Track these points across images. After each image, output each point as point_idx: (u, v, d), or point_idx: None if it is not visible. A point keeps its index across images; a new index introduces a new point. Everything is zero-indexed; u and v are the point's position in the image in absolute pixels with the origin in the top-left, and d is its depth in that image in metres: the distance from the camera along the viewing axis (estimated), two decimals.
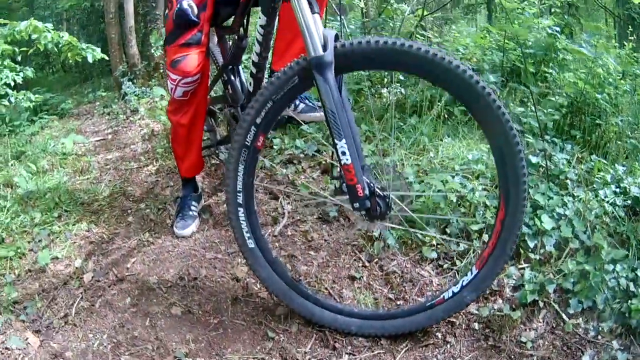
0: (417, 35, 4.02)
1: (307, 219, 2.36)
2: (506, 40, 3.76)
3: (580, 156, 2.80)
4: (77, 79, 10.64)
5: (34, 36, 2.99)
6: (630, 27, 6.65)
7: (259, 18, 1.80)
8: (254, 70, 1.98)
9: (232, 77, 2.24)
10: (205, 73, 2.09)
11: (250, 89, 2.10)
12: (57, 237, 2.33)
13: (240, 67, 2.29)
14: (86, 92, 7.61)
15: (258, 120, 1.50)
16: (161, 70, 5.32)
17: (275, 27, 1.88)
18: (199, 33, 1.94)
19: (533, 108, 2.95)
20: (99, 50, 3.30)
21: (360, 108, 3.44)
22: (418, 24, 3.77)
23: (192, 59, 1.93)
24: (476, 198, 2.21)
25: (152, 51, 5.00)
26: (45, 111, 5.71)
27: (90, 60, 3.23)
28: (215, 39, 2.36)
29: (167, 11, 1.96)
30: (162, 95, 4.40)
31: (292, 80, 1.45)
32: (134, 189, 2.89)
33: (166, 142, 3.51)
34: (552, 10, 4.75)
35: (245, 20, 2.01)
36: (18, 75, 4.14)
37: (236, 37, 2.06)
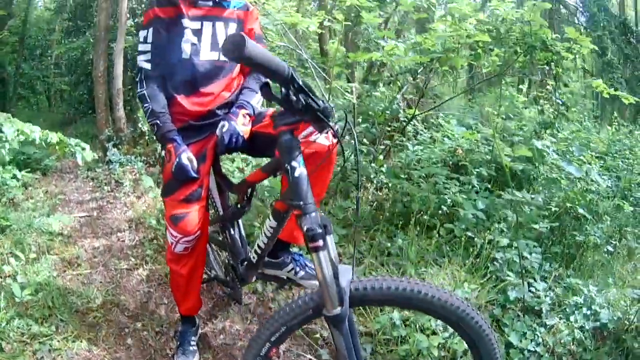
0: (409, 129, 4.11)
1: None
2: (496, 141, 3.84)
3: (557, 274, 2.90)
4: (62, 119, 10.55)
5: (21, 137, 2.92)
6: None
7: (269, 220, 1.78)
8: (258, 250, 1.93)
9: (232, 230, 2.18)
10: (205, 226, 2.06)
11: (253, 258, 2.00)
12: (59, 355, 2.26)
13: (240, 221, 2.21)
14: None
15: (272, 339, 1.51)
16: (147, 138, 5.28)
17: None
18: (199, 189, 1.94)
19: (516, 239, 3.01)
20: (88, 149, 3.25)
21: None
22: (409, 122, 3.82)
23: (192, 218, 1.92)
24: (455, 344, 2.20)
25: (140, 125, 4.95)
26: (29, 167, 5.61)
27: (80, 162, 3.17)
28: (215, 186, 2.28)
29: (164, 156, 1.95)
30: (150, 186, 4.33)
31: (307, 312, 1.46)
32: (127, 300, 2.82)
33: (155, 242, 3.48)
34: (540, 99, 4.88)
35: (249, 193, 2.00)
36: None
37: (239, 205, 2.04)
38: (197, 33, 1.95)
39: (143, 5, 6.70)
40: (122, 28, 5.89)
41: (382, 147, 3.96)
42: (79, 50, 8.17)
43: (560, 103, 4.30)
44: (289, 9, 3.63)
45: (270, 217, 1.77)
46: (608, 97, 4.23)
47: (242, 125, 1.91)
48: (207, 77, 1.97)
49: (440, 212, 3.49)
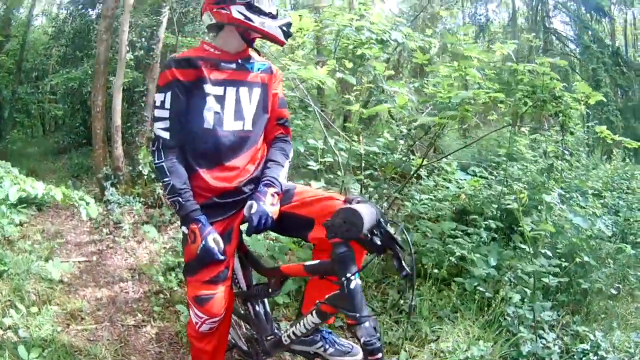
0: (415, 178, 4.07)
1: None
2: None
3: (565, 322, 3.00)
4: (56, 147, 10.41)
5: (23, 194, 2.83)
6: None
7: (312, 316, 1.71)
8: (292, 336, 1.85)
9: (256, 307, 2.08)
10: (230, 305, 1.96)
11: (285, 341, 1.91)
12: None
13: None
14: (65, 177, 7.42)
15: None
16: (145, 178, 5.18)
17: None
18: (225, 270, 1.84)
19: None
20: (93, 203, 3.16)
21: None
22: (417, 171, 3.77)
23: (219, 299, 1.83)
24: None
25: (140, 167, 4.84)
26: (24, 203, 5.48)
27: (84, 216, 3.08)
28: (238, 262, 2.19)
29: (186, 234, 1.82)
30: (154, 238, 4.21)
31: None
32: None
33: (162, 297, 3.37)
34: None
35: (282, 282, 1.93)
36: None
37: (269, 289, 1.95)
38: (220, 100, 1.84)
39: (143, 39, 6.65)
40: (121, 62, 5.82)
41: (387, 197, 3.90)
42: (76, 81, 8.08)
43: (568, 153, 4.28)
44: (300, 59, 3.59)
45: (314, 314, 1.70)
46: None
47: (270, 205, 1.80)
48: (231, 149, 1.86)
49: (448, 263, 3.44)
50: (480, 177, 4.61)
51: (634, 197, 5.70)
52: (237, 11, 1.77)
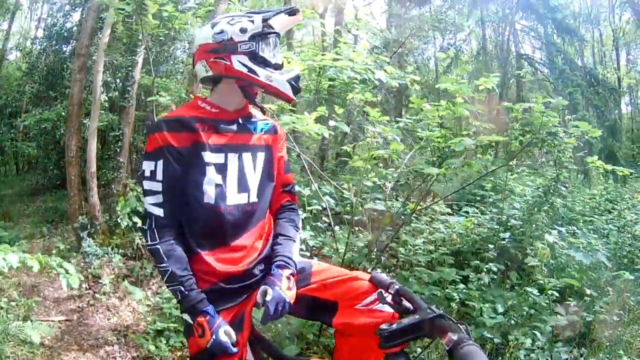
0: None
1: None
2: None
3: (572, 357, 3.03)
4: (31, 188, 10.02)
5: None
6: None
7: None
8: None
9: None
10: None
11: None
12: None
13: None
14: (39, 222, 7.08)
15: None
16: (123, 228, 4.91)
17: None
18: None
19: None
20: (73, 270, 2.93)
21: None
22: (410, 216, 3.62)
23: None
24: None
25: (119, 219, 4.58)
26: None
27: (64, 287, 2.85)
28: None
29: (191, 325, 1.54)
30: (140, 300, 3.93)
31: None
32: None
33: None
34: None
35: None
36: None
37: None
38: (222, 169, 1.59)
39: (118, 80, 6.44)
40: (96, 104, 5.60)
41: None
42: (49, 123, 7.77)
43: (564, 188, 4.21)
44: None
45: None
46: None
47: (287, 290, 1.55)
48: (236, 226, 1.61)
49: (450, 310, 3.33)
50: (472, 216, 4.53)
51: (620, 218, 5.72)
52: (238, 62, 1.55)
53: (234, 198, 1.60)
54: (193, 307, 1.51)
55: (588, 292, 3.55)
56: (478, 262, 3.94)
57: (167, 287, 1.55)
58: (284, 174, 1.77)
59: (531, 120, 3.50)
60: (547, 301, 3.38)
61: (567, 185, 4.74)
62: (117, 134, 5.88)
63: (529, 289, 3.43)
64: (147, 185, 1.57)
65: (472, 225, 4.20)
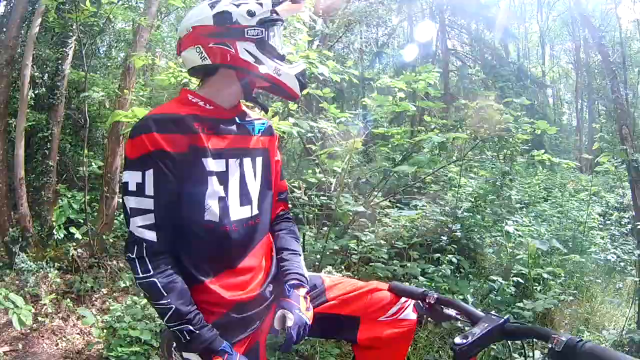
0: None
1: None
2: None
3: None
4: None
5: None
6: None
7: None
8: None
9: None
10: None
11: None
12: None
13: None
14: None
15: None
16: (55, 238, 4.51)
17: None
18: None
19: None
20: (22, 303, 2.60)
21: None
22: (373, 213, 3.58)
23: None
24: None
25: (54, 231, 4.18)
26: None
27: (16, 326, 2.51)
28: None
29: None
30: (93, 324, 3.56)
31: None
32: None
33: None
34: None
35: None
36: None
37: None
38: (224, 179, 1.34)
39: (47, 75, 5.89)
40: (24, 101, 5.08)
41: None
42: None
43: (511, 181, 4.37)
44: None
45: None
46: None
47: (306, 310, 1.36)
48: (241, 246, 1.38)
49: None
50: (421, 209, 4.59)
51: (559, 205, 6.08)
52: (244, 50, 1.31)
53: (237, 212, 1.36)
54: (207, 348, 1.28)
55: (545, 275, 3.69)
56: (439, 254, 4.01)
57: (170, 327, 1.28)
58: (279, 181, 1.57)
59: (490, 117, 3.57)
60: (510, 288, 3.47)
61: (515, 177, 4.93)
62: (46, 134, 5.37)
63: (495, 277, 3.56)
64: (133, 202, 1.26)
65: (420, 218, 4.24)
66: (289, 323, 1.30)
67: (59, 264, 4.42)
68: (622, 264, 4.81)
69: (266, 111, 1.59)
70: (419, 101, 3.38)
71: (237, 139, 1.39)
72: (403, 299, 1.45)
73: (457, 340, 1.13)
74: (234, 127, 1.39)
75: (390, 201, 4.59)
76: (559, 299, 3.48)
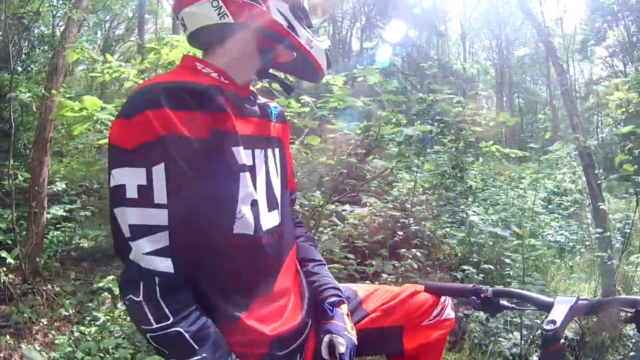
0: None
1: None
2: None
3: None
4: None
5: None
6: None
7: None
8: None
9: None
10: None
11: None
12: None
13: None
14: None
15: None
16: None
17: None
18: None
19: None
20: None
21: None
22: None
23: None
24: None
25: None
26: None
27: None
28: None
29: None
30: None
31: None
32: None
33: None
34: None
35: None
36: None
37: None
38: (253, 176, 1.02)
39: None
40: None
41: None
42: None
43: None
44: None
45: None
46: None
47: (352, 330, 1.14)
48: (276, 262, 1.08)
49: None
50: (372, 205, 4.57)
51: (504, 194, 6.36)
52: (277, 10, 1.01)
53: (267, 220, 1.05)
54: None
55: (507, 261, 3.84)
56: (404, 249, 3.96)
57: None
58: (292, 178, 1.30)
59: (446, 110, 3.59)
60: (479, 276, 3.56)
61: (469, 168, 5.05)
62: None
63: (465, 267, 3.59)
64: (136, 216, 0.87)
65: (369, 215, 4.22)
66: (342, 349, 1.07)
67: None
68: (570, 244, 5.10)
69: (290, 92, 1.27)
70: (384, 94, 3.28)
71: (260, 124, 1.08)
72: (442, 298, 1.32)
73: (546, 326, 1.05)
74: (256, 109, 1.09)
75: (338, 200, 4.54)
76: (528, 281, 3.57)
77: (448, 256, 5.01)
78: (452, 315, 1.33)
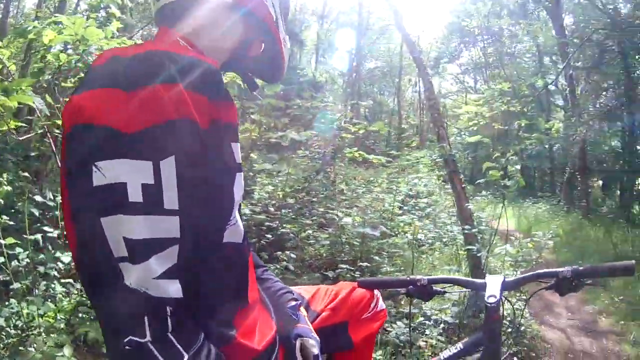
0: None
1: None
2: None
3: None
4: None
5: None
6: None
7: None
8: None
9: None
10: None
11: None
12: None
13: None
14: None
15: None
16: None
17: None
18: None
19: None
20: None
21: None
22: None
23: None
24: None
25: None
26: None
27: None
28: None
29: None
30: None
31: None
32: None
33: None
34: None
35: None
36: None
37: None
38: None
39: None
40: None
41: None
42: None
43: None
44: None
45: None
46: None
47: (314, 330, 1.09)
48: (250, 269, 0.97)
49: None
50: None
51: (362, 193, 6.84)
52: (271, 1, 0.92)
53: (240, 223, 0.91)
54: None
55: (377, 258, 4.19)
56: (279, 252, 4.15)
57: None
58: None
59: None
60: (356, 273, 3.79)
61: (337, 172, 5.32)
62: None
63: (342, 266, 3.85)
64: (142, 228, 0.66)
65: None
66: (315, 351, 1.01)
67: None
68: (429, 241, 5.70)
69: (255, 89, 1.11)
70: (265, 99, 3.30)
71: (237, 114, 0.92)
72: (376, 291, 1.42)
73: (489, 300, 1.22)
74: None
75: None
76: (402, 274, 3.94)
77: (313, 257, 5.21)
78: (384, 306, 1.45)
